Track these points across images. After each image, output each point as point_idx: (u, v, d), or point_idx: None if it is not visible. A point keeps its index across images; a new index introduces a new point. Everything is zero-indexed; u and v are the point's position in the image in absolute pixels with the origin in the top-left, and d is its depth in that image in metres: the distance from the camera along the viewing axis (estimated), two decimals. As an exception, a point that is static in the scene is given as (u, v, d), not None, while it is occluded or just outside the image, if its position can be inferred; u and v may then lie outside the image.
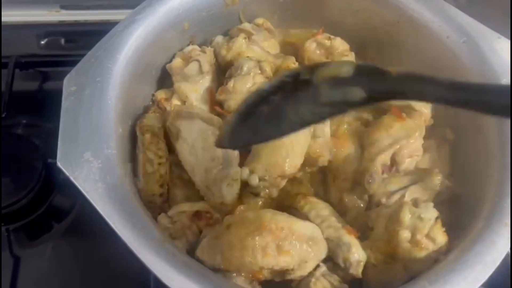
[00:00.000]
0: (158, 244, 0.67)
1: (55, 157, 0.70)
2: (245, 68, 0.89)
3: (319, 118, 0.55)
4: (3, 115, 1.09)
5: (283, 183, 0.84)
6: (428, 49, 0.99)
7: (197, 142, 0.83)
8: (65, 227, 1.01)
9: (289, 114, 0.54)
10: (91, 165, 0.72)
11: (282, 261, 0.73)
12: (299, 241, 0.74)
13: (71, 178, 0.70)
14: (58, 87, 0.79)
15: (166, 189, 0.84)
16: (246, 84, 0.88)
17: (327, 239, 0.79)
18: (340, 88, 0.52)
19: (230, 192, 0.81)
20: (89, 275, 0.95)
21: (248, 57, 0.93)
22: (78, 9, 1.33)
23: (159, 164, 0.82)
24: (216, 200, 0.81)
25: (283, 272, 0.76)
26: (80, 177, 0.70)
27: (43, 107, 1.16)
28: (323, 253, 0.79)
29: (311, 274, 0.77)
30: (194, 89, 0.95)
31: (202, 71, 0.95)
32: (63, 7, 1.33)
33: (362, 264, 0.78)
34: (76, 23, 1.34)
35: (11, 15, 1.30)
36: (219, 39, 1.04)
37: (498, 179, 0.80)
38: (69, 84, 0.80)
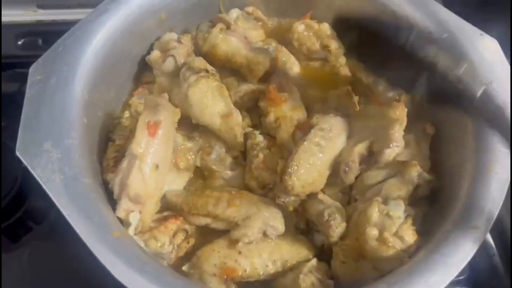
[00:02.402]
0: (112, 238, 0.66)
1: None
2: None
3: None
4: None
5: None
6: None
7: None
8: (44, 230, 1.00)
9: None
10: (50, 155, 0.71)
11: (228, 212, 0.80)
12: (248, 200, 0.82)
13: (29, 168, 0.69)
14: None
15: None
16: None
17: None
18: None
19: None
20: (68, 277, 0.93)
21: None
22: (56, 8, 1.30)
23: None
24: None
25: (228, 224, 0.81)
26: (38, 166, 0.69)
27: (21, 109, 1.12)
28: (270, 218, 0.80)
29: (299, 270, 0.77)
30: (176, 84, 0.93)
31: (178, 65, 0.93)
32: (40, 6, 1.30)
33: None
34: (53, 23, 1.30)
35: None
36: (203, 26, 1.02)
37: (470, 182, 0.77)
38: (35, 72, 0.79)
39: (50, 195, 0.67)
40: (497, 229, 1.00)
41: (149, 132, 0.75)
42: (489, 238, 1.02)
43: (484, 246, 1.00)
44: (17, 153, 0.70)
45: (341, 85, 1.02)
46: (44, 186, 0.68)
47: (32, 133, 0.73)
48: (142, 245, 0.75)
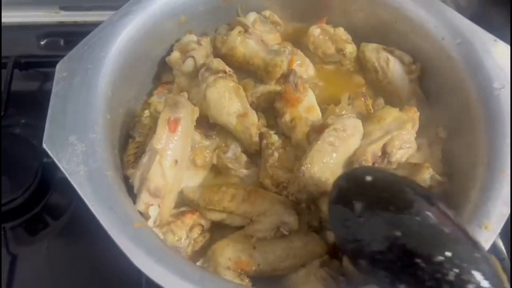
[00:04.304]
0: (134, 228, 0.68)
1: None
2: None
3: None
4: (1, 115, 1.08)
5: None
6: (424, 50, 0.99)
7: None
8: (61, 226, 1.02)
9: None
10: (75, 148, 0.74)
11: (243, 208, 0.82)
12: (263, 197, 0.84)
13: (55, 160, 0.72)
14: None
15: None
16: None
17: None
18: None
19: None
20: (84, 272, 0.96)
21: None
22: (78, 10, 1.34)
23: None
24: None
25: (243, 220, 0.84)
26: (64, 159, 0.72)
27: (42, 107, 1.10)
28: (284, 215, 0.82)
29: (311, 266, 0.79)
30: (194, 84, 0.96)
31: (197, 66, 0.97)
32: (63, 8, 1.34)
33: None
34: (75, 24, 1.35)
35: (11, 16, 1.31)
36: (222, 29, 1.06)
37: (482, 183, 0.79)
38: (61, 70, 0.82)
39: (75, 186, 0.70)
40: (508, 233, 1.00)
41: (170, 128, 0.78)
42: (499, 242, 1.02)
43: (494, 249, 1.00)
44: (44, 146, 0.73)
45: (356, 88, 1.05)
46: (69, 178, 0.71)
47: (58, 127, 0.76)
48: (162, 238, 0.78)
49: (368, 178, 0.64)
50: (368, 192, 0.63)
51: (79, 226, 0.99)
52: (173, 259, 0.67)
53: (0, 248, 0.97)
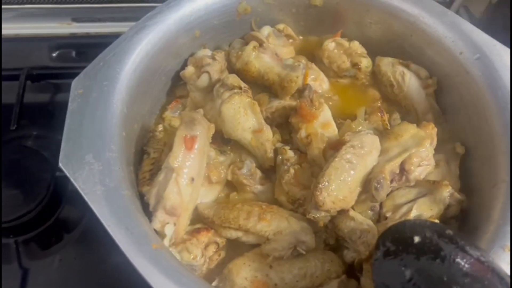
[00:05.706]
0: (151, 249, 0.67)
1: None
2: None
3: None
4: (13, 127, 1.08)
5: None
6: (441, 64, 0.98)
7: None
8: (73, 240, 1.02)
9: None
10: (92, 167, 0.73)
11: (259, 226, 0.81)
12: (279, 215, 0.83)
13: (71, 179, 0.71)
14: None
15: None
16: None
17: None
18: None
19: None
20: (97, 285, 0.96)
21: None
22: (90, 22, 1.34)
23: None
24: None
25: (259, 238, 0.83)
26: (80, 178, 0.72)
27: (54, 119, 1.13)
28: (301, 234, 0.81)
29: (328, 286, 0.78)
30: (209, 99, 0.97)
31: (212, 81, 0.96)
32: (75, 19, 1.35)
33: None
34: (87, 36, 1.35)
35: (23, 28, 1.32)
36: (236, 43, 1.06)
37: (504, 203, 0.77)
38: (77, 86, 0.82)
39: (92, 206, 0.69)
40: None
41: (186, 146, 0.77)
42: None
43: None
44: (60, 165, 0.72)
45: (371, 102, 1.04)
46: (85, 198, 0.70)
47: (74, 146, 0.75)
48: (178, 257, 0.77)
49: (417, 239, 0.63)
50: (418, 255, 0.62)
51: (93, 238, 0.99)
52: (190, 280, 0.66)
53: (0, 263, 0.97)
